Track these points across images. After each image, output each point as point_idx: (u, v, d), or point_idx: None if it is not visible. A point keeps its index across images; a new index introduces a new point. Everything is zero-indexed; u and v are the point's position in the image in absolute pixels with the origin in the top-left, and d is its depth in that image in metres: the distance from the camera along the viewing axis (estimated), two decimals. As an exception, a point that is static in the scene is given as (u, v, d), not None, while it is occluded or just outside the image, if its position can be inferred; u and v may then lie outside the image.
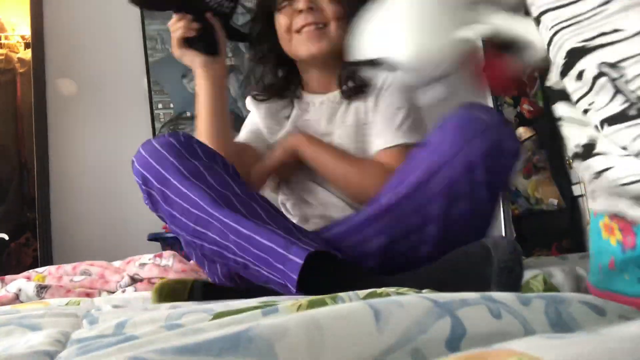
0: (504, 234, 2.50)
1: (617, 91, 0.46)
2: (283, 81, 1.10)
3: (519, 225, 2.46)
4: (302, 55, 1.01)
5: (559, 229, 2.13)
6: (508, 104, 2.45)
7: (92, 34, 2.17)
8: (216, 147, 0.87)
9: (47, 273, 1.28)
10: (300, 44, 0.99)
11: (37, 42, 2.13)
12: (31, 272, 1.30)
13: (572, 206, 2.11)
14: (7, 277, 1.32)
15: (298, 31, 0.99)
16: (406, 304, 0.34)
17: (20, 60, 2.64)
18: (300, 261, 0.65)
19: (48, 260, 1.92)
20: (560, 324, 0.37)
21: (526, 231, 2.39)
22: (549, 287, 0.68)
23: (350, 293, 0.49)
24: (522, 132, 2.30)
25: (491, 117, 0.77)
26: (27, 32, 2.45)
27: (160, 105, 2.24)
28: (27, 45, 2.64)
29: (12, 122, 2.50)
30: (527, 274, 0.72)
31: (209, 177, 0.75)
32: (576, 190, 2.08)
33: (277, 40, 1.03)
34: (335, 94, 1.04)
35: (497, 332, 0.33)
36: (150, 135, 2.15)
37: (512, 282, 0.61)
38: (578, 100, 0.51)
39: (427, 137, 0.84)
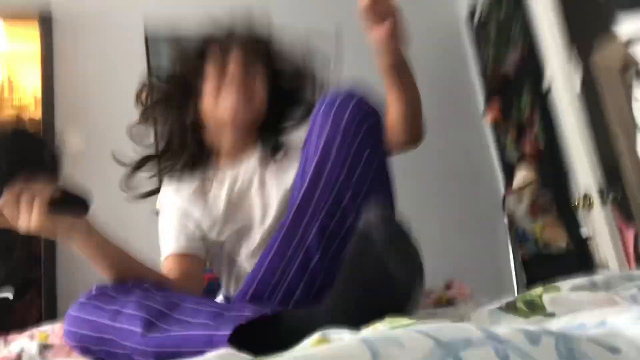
0: (514, 279, 2.46)
1: None
2: (197, 155, 1.07)
3: (527, 269, 2.42)
4: (225, 120, 1.01)
5: (568, 273, 2.09)
6: (510, 146, 2.47)
7: (101, 90, 2.23)
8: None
9: (50, 332, 1.26)
10: (224, 109, 1.01)
11: (46, 99, 2.18)
12: (34, 331, 1.28)
13: (580, 248, 2.08)
14: (11, 336, 1.30)
15: (220, 95, 1.01)
16: (407, 344, 0.32)
17: (31, 120, 2.70)
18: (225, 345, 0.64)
19: (52, 318, 1.89)
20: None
21: (536, 275, 2.34)
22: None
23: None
24: (526, 173, 2.30)
25: (344, 90, 0.86)
26: (38, 90, 2.52)
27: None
28: (37, 104, 2.71)
29: (20, 179, 2.53)
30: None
31: (129, 310, 0.73)
32: (584, 232, 2.05)
33: (189, 114, 1.03)
34: (254, 159, 1.05)
35: None
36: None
37: (404, 255, 0.60)
38: None
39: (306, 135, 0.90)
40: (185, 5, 2.47)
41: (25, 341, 1.08)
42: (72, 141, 2.17)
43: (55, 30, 2.27)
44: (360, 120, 0.83)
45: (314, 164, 0.82)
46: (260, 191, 1.02)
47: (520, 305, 0.59)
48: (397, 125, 0.99)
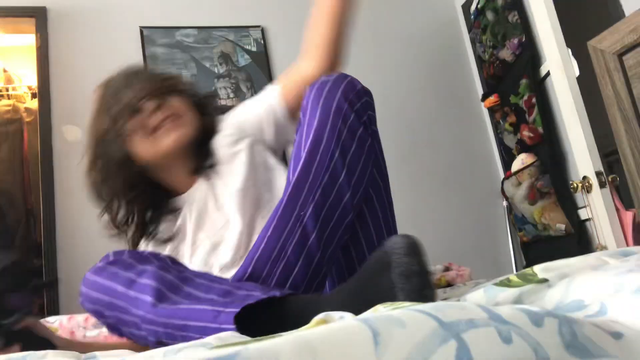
0: (513, 262, 2.48)
1: None
2: (158, 204, 1.07)
3: (527, 252, 2.44)
4: (168, 146, 1.01)
5: (568, 254, 2.10)
6: (508, 132, 2.47)
7: (97, 82, 2.22)
8: None
9: (58, 325, 1.26)
10: (162, 137, 1.01)
11: (43, 91, 2.18)
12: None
13: (579, 230, 2.09)
14: (15, 326, 1.30)
15: (155, 130, 1.01)
16: (409, 323, 0.31)
17: (27, 109, 2.69)
18: (232, 326, 0.65)
19: (55, 308, 1.90)
20: (577, 345, 0.35)
21: (535, 258, 2.36)
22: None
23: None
24: (524, 158, 2.30)
25: (333, 74, 0.87)
26: (34, 82, 2.51)
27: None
28: (33, 96, 2.70)
29: (19, 170, 2.54)
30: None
31: (144, 279, 0.75)
32: (582, 214, 2.06)
33: (133, 173, 1.03)
34: (200, 181, 1.06)
35: (507, 358, 0.31)
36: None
37: (416, 287, 0.60)
38: None
39: (298, 122, 0.90)
40: (181, -8, 2.46)
41: None
42: (68, 130, 2.16)
43: (50, 23, 2.25)
44: (352, 99, 0.83)
45: (308, 144, 0.82)
46: (216, 205, 1.02)
47: (513, 278, 0.60)
48: (321, 46, 1.00)
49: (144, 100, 1.02)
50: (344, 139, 0.82)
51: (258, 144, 1.04)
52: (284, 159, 1.20)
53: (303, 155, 0.82)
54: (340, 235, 0.82)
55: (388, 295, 0.60)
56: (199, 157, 1.05)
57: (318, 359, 0.28)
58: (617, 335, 0.38)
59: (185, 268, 0.81)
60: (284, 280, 0.79)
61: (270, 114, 1.03)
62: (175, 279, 0.75)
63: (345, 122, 0.82)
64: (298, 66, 1.04)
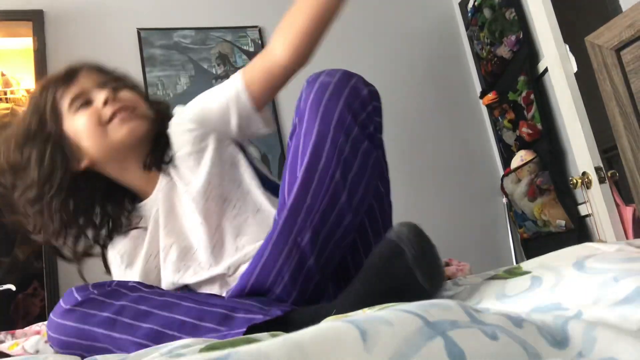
0: (513, 258, 2.47)
1: None
2: (119, 207, 1.00)
3: (527, 248, 2.44)
4: (124, 137, 0.94)
5: (568, 250, 2.10)
6: (507, 128, 2.47)
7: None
8: None
9: (48, 321, 1.26)
10: (118, 128, 0.93)
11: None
12: (41, 326, 1.27)
13: (579, 226, 2.09)
14: (18, 331, 1.30)
15: (108, 122, 0.93)
16: (395, 322, 0.32)
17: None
18: None
19: (56, 310, 1.90)
20: (561, 341, 0.35)
21: (535, 254, 2.36)
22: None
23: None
24: (524, 155, 2.30)
25: (336, 74, 0.78)
26: (32, 86, 2.51)
27: (163, 149, 2.28)
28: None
29: (18, 174, 2.53)
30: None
31: (124, 319, 0.71)
32: (582, 210, 2.06)
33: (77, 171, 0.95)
34: (160, 178, 0.98)
35: (498, 353, 0.32)
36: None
37: (432, 267, 0.62)
38: None
39: (292, 123, 0.82)
40: (178, -7, 2.46)
41: (40, 342, 1.06)
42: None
43: (47, 26, 2.26)
44: (356, 109, 0.75)
45: (306, 160, 0.75)
46: (181, 207, 0.96)
47: (500, 273, 0.62)
48: (299, 35, 0.89)
49: (94, 91, 0.94)
50: (346, 156, 0.74)
51: (223, 138, 0.96)
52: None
53: (300, 173, 0.75)
54: (340, 253, 0.77)
55: (407, 280, 0.60)
56: (155, 151, 0.98)
57: (308, 359, 0.28)
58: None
59: (163, 291, 0.76)
60: (285, 299, 0.75)
61: (234, 103, 0.93)
62: (159, 309, 0.70)
63: (348, 137, 0.74)
64: (268, 51, 0.93)
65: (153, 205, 0.99)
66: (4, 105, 2.72)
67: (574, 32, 2.02)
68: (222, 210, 0.93)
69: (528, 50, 2.25)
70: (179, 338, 0.67)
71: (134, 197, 1.03)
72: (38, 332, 1.19)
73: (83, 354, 0.72)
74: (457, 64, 2.77)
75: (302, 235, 0.73)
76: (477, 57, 2.67)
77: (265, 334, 0.40)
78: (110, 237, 1.01)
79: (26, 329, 1.28)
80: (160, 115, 1.02)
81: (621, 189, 2.03)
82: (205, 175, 0.93)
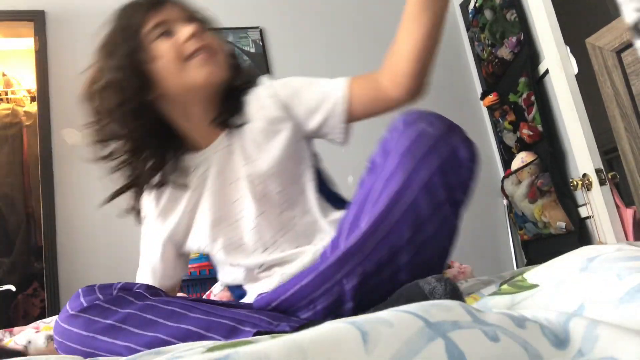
0: (514, 260, 2.47)
1: None
2: (164, 145, 0.94)
3: (527, 250, 2.44)
4: (201, 79, 0.89)
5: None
6: (508, 130, 2.47)
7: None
8: None
9: (54, 323, 1.27)
10: (197, 67, 0.88)
11: (42, 95, 2.18)
12: (39, 323, 1.28)
13: (580, 228, 2.09)
14: (15, 328, 1.31)
15: (188, 58, 0.88)
16: (396, 323, 0.32)
17: (27, 113, 2.70)
18: None
19: (56, 310, 1.90)
20: (563, 340, 0.35)
21: (535, 256, 2.36)
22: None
23: None
24: (524, 156, 2.30)
25: (438, 125, 0.72)
26: (33, 86, 2.51)
27: (163, 150, 2.28)
28: (32, 99, 2.70)
29: (19, 174, 2.54)
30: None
31: (129, 327, 0.70)
32: (583, 212, 2.06)
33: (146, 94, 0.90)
34: (221, 137, 0.94)
35: (499, 355, 0.32)
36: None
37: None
38: None
39: (372, 157, 0.78)
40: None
41: (31, 333, 1.08)
42: (68, 134, 2.17)
43: (49, 26, 2.26)
44: (450, 179, 0.69)
45: (376, 214, 0.69)
46: (233, 175, 0.92)
47: (504, 287, 0.60)
48: (407, 66, 0.84)
49: (179, 24, 0.90)
50: (423, 221, 0.68)
51: (298, 131, 0.93)
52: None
53: (368, 220, 0.69)
54: (380, 300, 0.71)
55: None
56: (228, 109, 0.93)
57: (308, 358, 0.28)
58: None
59: (170, 300, 0.74)
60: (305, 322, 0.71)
61: (328, 108, 0.90)
62: (165, 319, 0.69)
63: (432, 202, 0.68)
64: (379, 79, 0.88)
65: (204, 162, 0.94)
66: (5, 105, 2.72)
67: (574, 34, 2.02)
68: (273, 200, 0.91)
69: (529, 52, 2.25)
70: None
71: (179, 148, 0.97)
72: (36, 329, 1.19)
73: (84, 358, 0.71)
74: (458, 65, 2.77)
75: (348, 279, 0.69)
76: (477, 59, 2.67)
77: (266, 336, 0.39)
78: (152, 181, 0.94)
79: (24, 327, 1.28)
80: (240, 75, 0.98)
81: (622, 191, 2.03)
82: (272, 160, 0.90)
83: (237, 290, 1.02)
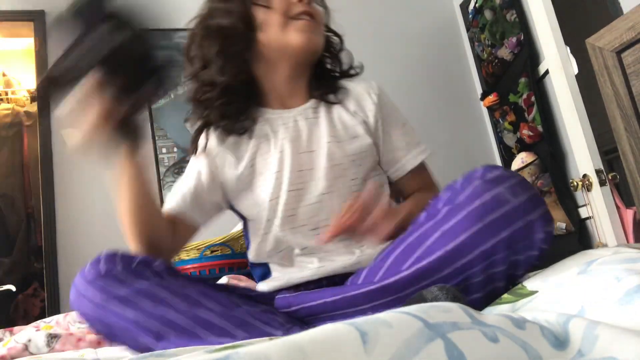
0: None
1: None
2: (244, 100, 0.95)
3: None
4: (299, 43, 0.92)
5: (569, 253, 2.10)
6: (508, 130, 2.47)
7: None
8: (143, 237, 0.87)
9: (54, 323, 1.27)
10: (298, 30, 0.91)
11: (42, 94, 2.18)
12: (39, 323, 1.29)
13: (580, 229, 2.09)
14: (16, 328, 1.31)
15: (294, 17, 0.92)
16: (395, 324, 0.32)
17: (27, 113, 2.70)
18: None
19: (55, 310, 1.90)
20: (563, 341, 0.36)
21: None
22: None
23: None
24: (524, 157, 2.30)
25: (520, 193, 0.64)
26: (33, 86, 2.52)
27: (164, 150, 2.28)
28: (32, 99, 2.70)
29: (19, 174, 2.54)
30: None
31: (142, 304, 0.71)
32: (583, 212, 2.06)
33: (246, 46, 0.93)
34: (308, 105, 0.96)
35: (498, 355, 0.32)
36: (155, 178, 2.18)
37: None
38: None
39: (435, 201, 0.74)
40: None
41: (31, 332, 1.07)
42: (68, 134, 2.17)
43: (49, 26, 2.26)
44: (518, 251, 0.64)
45: (423, 264, 0.66)
46: (309, 145, 0.92)
47: (505, 296, 0.59)
48: None
49: None
50: (470, 285, 0.65)
51: (373, 150, 0.96)
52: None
53: (411, 268, 0.67)
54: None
55: None
56: (325, 85, 0.96)
57: (308, 359, 0.28)
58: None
59: (185, 281, 0.75)
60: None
61: (398, 165, 1.00)
62: (177, 297, 0.71)
63: (487, 271, 0.64)
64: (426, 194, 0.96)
65: (284, 121, 0.94)
66: (5, 105, 2.72)
67: (574, 34, 2.02)
68: (345, 184, 0.91)
69: (529, 52, 2.25)
70: (190, 331, 0.68)
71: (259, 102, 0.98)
72: (36, 328, 1.19)
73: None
74: (458, 66, 2.77)
75: (373, 312, 0.69)
76: (477, 59, 2.67)
77: (266, 337, 0.40)
78: (225, 122, 0.94)
79: (24, 327, 1.28)
80: (336, 55, 1.01)
81: (622, 192, 2.03)
82: (358, 148, 0.93)
83: (259, 270, 0.97)
